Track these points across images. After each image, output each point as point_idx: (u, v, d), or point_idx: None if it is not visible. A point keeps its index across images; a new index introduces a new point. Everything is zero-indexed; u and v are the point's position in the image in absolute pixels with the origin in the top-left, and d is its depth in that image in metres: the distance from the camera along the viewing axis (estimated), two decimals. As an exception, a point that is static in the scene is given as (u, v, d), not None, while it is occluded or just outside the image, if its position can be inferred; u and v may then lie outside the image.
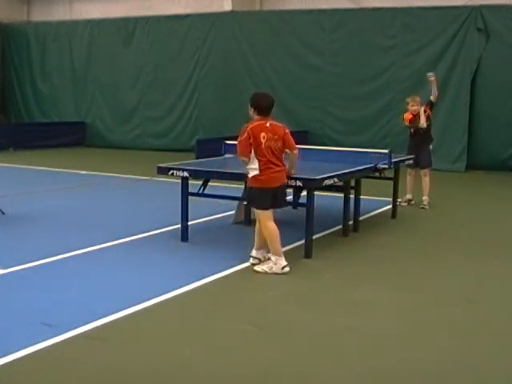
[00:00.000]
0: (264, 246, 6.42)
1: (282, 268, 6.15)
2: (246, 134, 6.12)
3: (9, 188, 10.67)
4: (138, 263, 6.46)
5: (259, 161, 6.14)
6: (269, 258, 6.29)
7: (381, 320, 5.04)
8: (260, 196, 6.22)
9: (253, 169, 6.19)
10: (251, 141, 6.11)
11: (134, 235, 7.52)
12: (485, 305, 5.50)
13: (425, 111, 9.75)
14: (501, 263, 6.82)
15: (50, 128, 18.61)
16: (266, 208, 6.24)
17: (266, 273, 6.13)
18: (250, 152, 6.15)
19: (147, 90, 17.99)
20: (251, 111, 6.26)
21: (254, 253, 6.47)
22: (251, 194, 6.35)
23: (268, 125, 6.19)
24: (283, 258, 6.21)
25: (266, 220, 6.23)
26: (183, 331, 4.74)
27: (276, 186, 6.24)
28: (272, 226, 6.21)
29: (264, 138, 6.12)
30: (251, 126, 6.16)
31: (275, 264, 6.16)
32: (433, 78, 9.82)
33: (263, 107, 6.23)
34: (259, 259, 6.41)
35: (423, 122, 9.72)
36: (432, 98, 9.85)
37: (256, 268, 6.21)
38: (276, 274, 6.13)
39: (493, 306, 5.49)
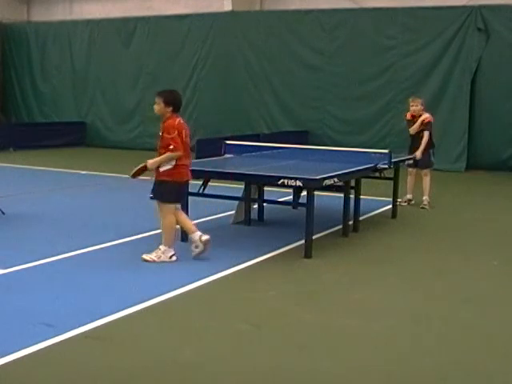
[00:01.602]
0: (195, 228, 6.53)
1: (170, 257, 6.42)
2: (176, 131, 6.25)
3: (9, 188, 10.65)
4: (139, 263, 6.46)
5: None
6: (158, 247, 6.46)
7: (381, 320, 5.04)
8: (169, 190, 6.38)
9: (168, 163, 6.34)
10: (179, 136, 6.30)
11: (134, 235, 7.52)
12: (485, 305, 5.51)
13: (423, 121, 9.67)
14: (500, 263, 6.82)
15: (50, 128, 18.59)
16: (172, 201, 6.44)
17: (154, 261, 6.35)
18: None
19: (147, 90, 17.97)
20: (166, 108, 6.34)
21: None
22: (160, 188, 6.42)
23: (182, 122, 6.43)
24: (172, 250, 6.44)
25: (168, 213, 6.43)
26: (183, 331, 4.74)
27: (185, 181, 6.52)
28: (172, 220, 6.43)
29: (184, 134, 6.38)
30: (176, 122, 6.33)
31: (163, 253, 6.41)
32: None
33: (179, 105, 6.46)
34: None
35: (414, 128, 9.69)
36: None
37: (144, 256, 6.42)
38: (164, 261, 6.35)
39: (493, 305, 5.49)
